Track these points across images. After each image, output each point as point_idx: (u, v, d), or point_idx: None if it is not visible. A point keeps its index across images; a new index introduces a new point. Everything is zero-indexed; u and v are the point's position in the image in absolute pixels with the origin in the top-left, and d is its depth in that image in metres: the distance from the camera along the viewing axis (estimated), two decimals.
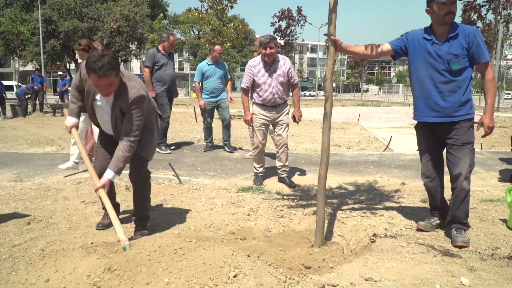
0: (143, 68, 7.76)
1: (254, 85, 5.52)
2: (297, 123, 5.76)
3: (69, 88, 16.04)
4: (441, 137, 3.61)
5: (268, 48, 5.30)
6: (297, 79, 5.74)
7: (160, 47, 7.65)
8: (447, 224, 3.71)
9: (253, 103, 5.65)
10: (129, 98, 3.33)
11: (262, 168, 5.81)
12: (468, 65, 3.43)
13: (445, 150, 3.66)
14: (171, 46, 7.68)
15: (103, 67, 3.06)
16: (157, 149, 7.12)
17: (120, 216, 4.19)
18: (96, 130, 4.44)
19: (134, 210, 3.77)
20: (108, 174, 3.35)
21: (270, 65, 5.44)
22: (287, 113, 5.63)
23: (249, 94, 5.67)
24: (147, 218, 3.83)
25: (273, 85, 5.42)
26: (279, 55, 5.55)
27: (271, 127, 5.76)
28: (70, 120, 3.73)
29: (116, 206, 3.95)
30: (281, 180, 5.77)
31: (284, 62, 5.50)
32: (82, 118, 5.69)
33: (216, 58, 7.92)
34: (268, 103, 5.48)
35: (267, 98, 5.44)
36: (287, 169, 5.75)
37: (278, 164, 5.74)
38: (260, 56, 5.50)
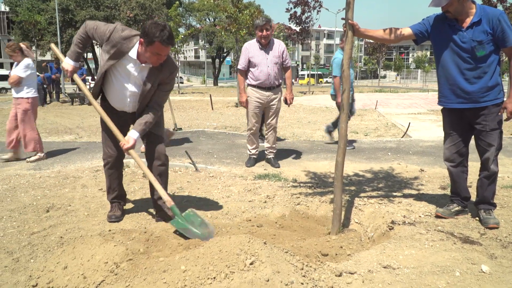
0: None
1: (249, 66, 5.67)
2: (288, 106, 6.09)
3: (88, 78, 16.05)
4: (469, 122, 3.54)
5: (264, 30, 5.47)
6: (291, 62, 5.96)
7: None
8: (474, 205, 3.70)
9: (248, 85, 5.76)
10: (174, 69, 3.48)
11: (256, 150, 6.04)
12: (494, 49, 3.33)
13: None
14: None
15: (170, 36, 3.17)
16: None
17: (139, 204, 4.22)
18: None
19: (158, 192, 3.55)
20: (133, 134, 3.39)
21: (266, 47, 5.61)
22: (279, 99, 5.82)
23: (245, 76, 5.81)
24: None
25: (268, 65, 5.58)
26: (274, 39, 5.74)
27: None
28: (70, 63, 3.55)
29: (123, 196, 3.96)
30: (267, 160, 6.06)
31: (278, 44, 5.71)
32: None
33: None
34: (263, 84, 5.61)
35: (262, 78, 5.58)
36: (274, 151, 6.07)
37: (265, 145, 6.07)
38: (255, 38, 5.67)
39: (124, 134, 3.49)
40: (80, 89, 3.62)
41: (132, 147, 3.38)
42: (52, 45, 3.99)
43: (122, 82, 3.46)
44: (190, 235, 3.22)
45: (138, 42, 3.29)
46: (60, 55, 3.76)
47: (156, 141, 3.67)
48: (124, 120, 3.67)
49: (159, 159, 3.65)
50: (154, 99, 3.52)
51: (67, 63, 3.56)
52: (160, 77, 3.44)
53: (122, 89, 3.48)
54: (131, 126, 3.55)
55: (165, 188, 3.70)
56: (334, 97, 7.01)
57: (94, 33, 3.41)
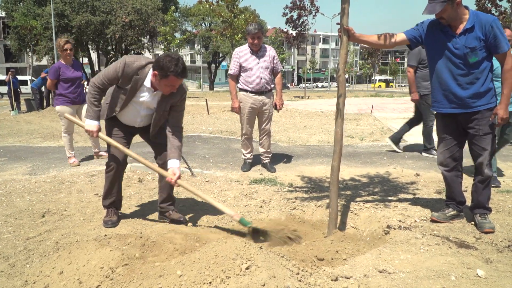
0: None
1: (241, 71, 5.70)
2: (278, 112, 6.14)
3: (85, 84, 16.06)
4: (462, 127, 3.57)
5: (256, 39, 5.52)
6: (281, 67, 6.00)
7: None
8: (469, 210, 3.71)
9: (240, 90, 5.79)
10: (183, 93, 3.62)
11: (250, 154, 6.07)
12: (487, 55, 3.36)
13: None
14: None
15: (184, 69, 3.29)
16: None
17: (134, 209, 4.22)
18: None
19: (169, 196, 3.91)
20: (175, 163, 3.53)
21: (257, 52, 5.66)
22: (271, 104, 5.86)
23: (237, 81, 5.83)
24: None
25: (260, 70, 5.62)
26: (265, 45, 5.80)
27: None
28: (94, 123, 3.57)
29: (120, 201, 3.97)
30: (263, 165, 6.08)
31: (269, 50, 5.77)
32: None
33: None
34: (255, 88, 5.66)
35: (254, 83, 5.63)
36: (269, 155, 6.09)
37: (261, 150, 6.07)
38: (247, 44, 5.71)
39: (129, 140, 3.82)
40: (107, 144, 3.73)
41: (180, 177, 3.50)
42: (68, 116, 4.01)
43: (135, 107, 3.63)
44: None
45: (151, 71, 3.41)
46: (79, 123, 3.84)
47: (164, 146, 3.74)
48: (130, 132, 3.83)
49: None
50: (172, 122, 3.65)
51: (91, 125, 3.56)
52: (171, 101, 3.59)
53: (134, 112, 3.66)
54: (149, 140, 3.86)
55: (171, 190, 3.93)
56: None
57: (106, 81, 3.49)
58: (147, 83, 3.47)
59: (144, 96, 3.55)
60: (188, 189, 3.57)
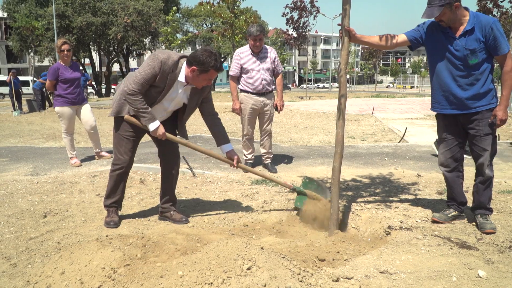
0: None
1: (242, 72, 5.72)
2: (279, 113, 6.18)
3: (90, 85, 15.80)
4: (463, 127, 3.57)
5: (258, 41, 5.54)
6: (281, 69, 6.02)
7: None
8: (471, 210, 3.71)
9: (241, 91, 5.81)
10: (210, 85, 3.66)
11: (251, 155, 6.11)
12: (487, 57, 3.37)
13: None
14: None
15: (221, 63, 3.38)
16: None
17: (136, 209, 4.22)
18: None
19: (171, 196, 3.95)
20: (229, 146, 3.78)
21: (258, 54, 5.67)
22: (272, 105, 5.88)
23: (237, 82, 5.85)
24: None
25: (261, 71, 5.64)
26: (266, 46, 5.81)
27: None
28: (156, 124, 3.50)
29: (121, 201, 3.97)
30: (264, 166, 6.10)
31: (270, 51, 5.78)
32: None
33: None
34: (256, 90, 5.68)
35: (255, 84, 5.65)
36: (271, 156, 6.11)
37: (262, 151, 6.09)
38: (248, 45, 5.72)
39: (140, 137, 3.79)
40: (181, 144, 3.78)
41: (239, 160, 3.78)
42: (127, 117, 3.67)
43: (164, 103, 3.61)
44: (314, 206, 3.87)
45: (183, 65, 3.43)
46: (139, 124, 3.66)
47: (171, 144, 3.80)
48: (142, 129, 3.76)
49: (175, 160, 3.90)
50: (208, 111, 3.81)
51: (156, 127, 3.49)
52: (203, 95, 3.67)
53: (161, 108, 3.64)
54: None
55: (175, 188, 3.99)
56: None
57: (145, 83, 3.39)
58: (181, 78, 3.46)
59: (176, 92, 3.55)
60: (250, 170, 4.03)
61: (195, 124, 12.15)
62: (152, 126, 3.48)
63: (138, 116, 3.47)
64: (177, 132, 3.85)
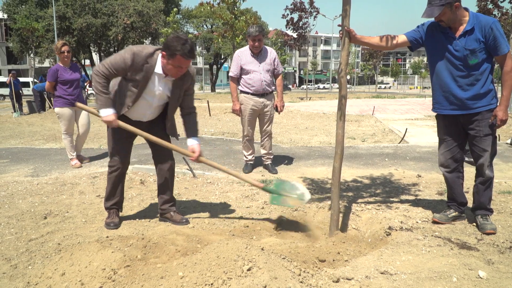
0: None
1: (242, 73, 5.71)
2: (279, 113, 6.14)
3: (87, 85, 15.86)
4: (463, 128, 3.57)
5: (257, 42, 5.52)
6: (282, 69, 6.03)
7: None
8: (471, 211, 3.71)
9: (241, 92, 5.80)
10: (193, 76, 3.63)
11: (252, 155, 6.09)
12: (487, 57, 3.37)
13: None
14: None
15: (192, 50, 3.25)
16: None
17: (136, 210, 4.22)
18: None
19: (170, 197, 3.93)
20: (195, 141, 3.65)
21: (258, 54, 5.67)
22: (272, 106, 5.88)
23: (238, 83, 5.85)
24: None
25: (261, 72, 5.63)
26: (266, 46, 5.80)
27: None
28: (110, 111, 3.37)
29: (121, 202, 3.97)
30: (265, 167, 6.11)
31: (270, 52, 5.77)
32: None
33: None
34: (256, 91, 5.67)
35: (255, 85, 5.64)
36: (271, 157, 6.11)
37: (262, 152, 6.08)
38: (247, 46, 5.72)
39: (133, 139, 3.77)
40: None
41: (201, 154, 3.62)
42: (78, 104, 3.93)
43: (148, 98, 3.53)
44: (292, 203, 3.67)
45: (159, 56, 3.36)
46: (92, 110, 3.69)
47: (162, 146, 3.76)
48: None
49: (167, 162, 3.86)
50: (186, 104, 3.71)
51: (108, 114, 3.36)
52: (184, 87, 3.59)
53: (146, 105, 3.57)
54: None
55: (172, 190, 3.95)
56: None
57: (112, 70, 3.32)
58: (158, 69, 3.38)
59: (156, 84, 3.46)
60: (211, 165, 3.74)
61: None
62: (103, 112, 3.35)
63: (96, 98, 3.41)
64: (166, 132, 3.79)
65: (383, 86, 77.76)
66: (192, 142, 3.64)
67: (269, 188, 3.78)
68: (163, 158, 3.84)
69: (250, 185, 3.77)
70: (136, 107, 3.55)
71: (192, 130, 3.69)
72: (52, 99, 10.70)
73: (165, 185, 3.88)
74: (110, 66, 3.31)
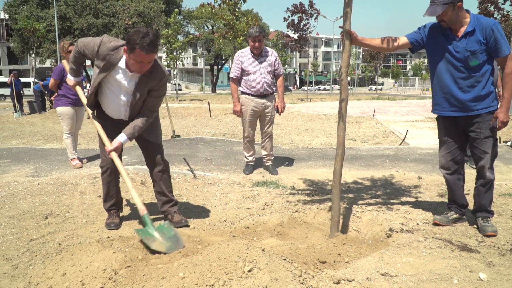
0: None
1: (243, 75, 5.71)
2: (280, 115, 6.13)
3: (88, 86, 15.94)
4: (463, 130, 3.57)
5: (257, 42, 5.52)
6: (282, 70, 6.02)
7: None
8: (472, 213, 3.72)
9: (242, 93, 5.80)
10: (163, 76, 3.45)
11: (252, 157, 6.09)
12: (487, 58, 3.37)
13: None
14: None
15: (152, 43, 3.12)
16: None
17: (133, 211, 4.22)
18: None
19: (168, 198, 3.87)
20: (121, 137, 3.44)
21: (258, 55, 5.67)
22: (273, 107, 5.87)
23: (238, 84, 5.84)
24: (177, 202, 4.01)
25: (262, 73, 5.63)
26: (266, 47, 5.80)
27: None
28: (71, 78, 3.80)
29: (120, 202, 3.97)
30: (265, 168, 6.10)
31: (271, 53, 5.77)
32: None
33: None
34: (257, 92, 5.67)
35: (256, 86, 5.63)
36: (272, 158, 6.10)
37: (263, 153, 6.09)
38: (248, 47, 5.72)
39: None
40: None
41: (115, 149, 3.43)
42: (64, 62, 4.27)
43: (115, 92, 3.48)
44: (154, 246, 3.01)
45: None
46: (82, 97, 3.97)
47: (154, 149, 3.76)
48: (121, 129, 3.59)
49: (159, 165, 3.78)
50: (146, 105, 3.54)
51: (69, 79, 3.83)
52: (149, 85, 3.44)
53: (115, 99, 3.50)
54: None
55: (170, 191, 3.89)
56: None
57: (85, 49, 3.46)
58: (122, 64, 3.34)
59: (121, 79, 3.40)
60: (117, 165, 3.46)
61: (196, 126, 12.17)
62: (68, 76, 3.81)
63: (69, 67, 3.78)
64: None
65: (373, 88, 76.16)
66: (118, 137, 3.44)
67: (148, 221, 3.23)
68: (154, 161, 3.78)
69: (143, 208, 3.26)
70: (107, 102, 3.53)
71: (129, 128, 3.45)
72: (52, 99, 10.68)
73: (161, 187, 3.82)
74: (83, 45, 3.47)
